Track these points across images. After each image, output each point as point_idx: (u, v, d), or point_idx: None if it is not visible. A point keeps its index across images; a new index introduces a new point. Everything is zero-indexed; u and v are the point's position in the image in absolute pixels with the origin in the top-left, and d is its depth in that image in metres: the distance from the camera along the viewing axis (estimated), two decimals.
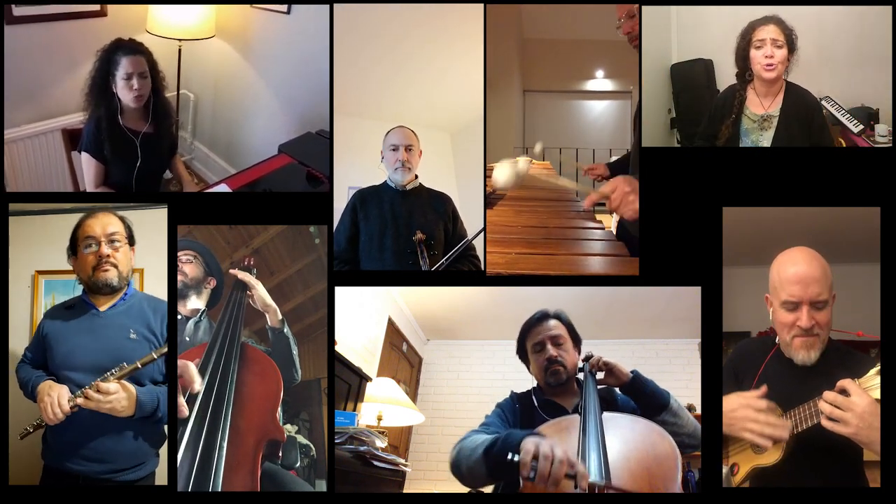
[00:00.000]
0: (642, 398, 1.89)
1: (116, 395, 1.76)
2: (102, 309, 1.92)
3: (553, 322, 2.07)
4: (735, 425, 1.81)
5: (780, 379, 1.86)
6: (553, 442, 1.54)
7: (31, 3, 2.79)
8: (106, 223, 1.87)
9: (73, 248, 1.90)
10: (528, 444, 1.50)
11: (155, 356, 1.81)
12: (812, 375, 1.81)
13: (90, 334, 1.89)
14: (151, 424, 1.88)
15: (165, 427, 2.00)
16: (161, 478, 2.08)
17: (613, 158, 2.94)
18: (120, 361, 1.82)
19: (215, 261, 2.33)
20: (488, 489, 1.88)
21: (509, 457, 1.52)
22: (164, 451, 2.21)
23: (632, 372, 1.93)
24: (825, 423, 1.66)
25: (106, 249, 1.84)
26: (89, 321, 1.90)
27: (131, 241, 1.95)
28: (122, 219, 1.93)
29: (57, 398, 1.75)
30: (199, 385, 1.68)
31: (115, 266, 1.86)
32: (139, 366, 1.80)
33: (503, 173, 2.03)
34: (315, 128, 2.98)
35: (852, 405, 1.63)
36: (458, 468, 1.73)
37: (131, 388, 1.78)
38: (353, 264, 2.41)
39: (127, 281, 1.92)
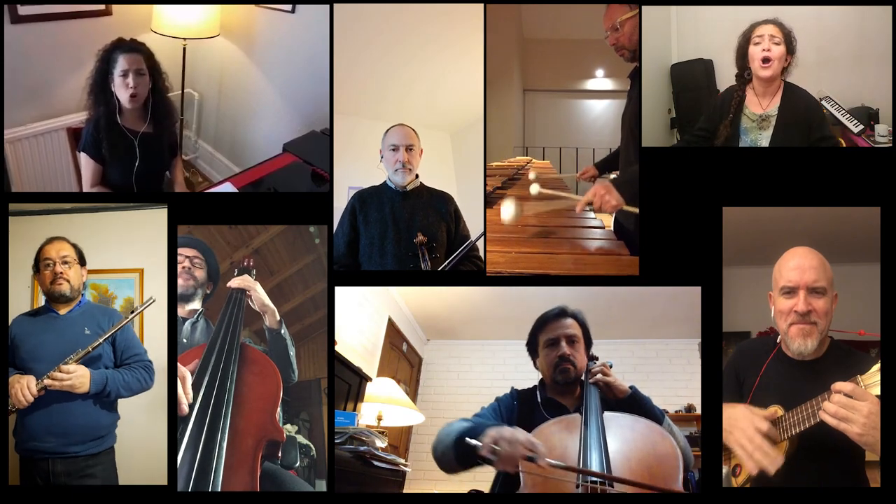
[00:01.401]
0: (637, 415, 1.89)
1: (76, 373, 2.14)
2: (62, 313, 2.30)
3: (570, 321, 2.08)
4: (732, 434, 1.82)
5: (781, 378, 1.87)
6: (516, 428, 1.62)
7: (37, 1, 2.79)
8: (59, 248, 2.30)
9: (37, 267, 2.32)
10: (492, 430, 1.61)
11: (101, 340, 2.20)
12: (813, 374, 1.82)
13: (53, 332, 2.25)
14: (103, 400, 2.22)
15: (119, 403, 2.30)
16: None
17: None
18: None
19: (216, 264, 2.35)
20: (487, 489, 1.89)
21: (469, 441, 1.61)
22: (163, 450, 2.24)
23: (630, 388, 1.93)
24: (829, 420, 1.66)
25: (60, 268, 2.28)
26: (52, 323, 2.28)
27: (82, 261, 2.34)
28: (73, 245, 2.33)
29: (26, 383, 2.11)
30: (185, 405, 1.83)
31: (68, 281, 2.28)
32: (90, 349, 2.18)
33: (509, 210, 2.30)
34: (320, 126, 2.98)
35: (858, 406, 1.63)
36: (435, 451, 1.79)
37: (85, 368, 2.17)
38: (353, 269, 2.40)
39: (78, 292, 2.32)
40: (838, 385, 1.68)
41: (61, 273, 2.27)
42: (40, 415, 2.15)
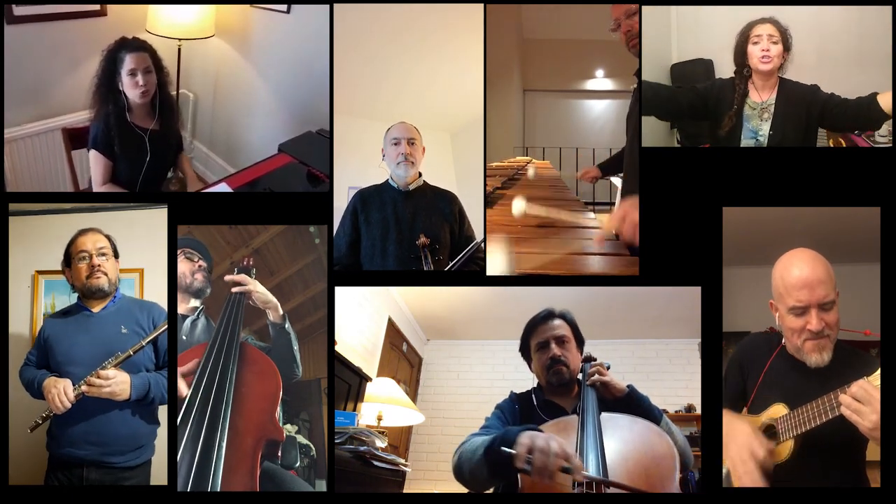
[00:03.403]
0: (635, 414, 1.89)
1: (115, 379, 2.05)
2: (95, 311, 2.21)
3: (558, 321, 2.06)
4: (728, 447, 1.83)
5: (785, 377, 1.87)
6: (549, 436, 1.55)
7: (32, 2, 2.79)
8: (96, 240, 2.22)
9: (68, 261, 2.23)
10: (524, 437, 1.54)
11: (143, 343, 2.11)
12: (816, 374, 1.82)
13: (86, 333, 2.17)
14: (145, 407, 2.16)
15: (160, 410, 2.23)
16: (160, 474, 2.22)
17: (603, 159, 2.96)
18: (115, 353, 2.10)
19: (211, 263, 2.35)
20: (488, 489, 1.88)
21: (504, 450, 1.54)
22: (163, 450, 2.22)
23: (628, 387, 1.93)
24: (845, 412, 1.67)
25: (97, 260, 2.19)
26: (85, 322, 2.20)
27: (116, 254, 2.27)
28: (107, 236, 2.26)
29: (63, 388, 2.03)
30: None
31: (105, 274, 2.20)
32: (132, 353, 2.09)
33: (519, 206, 2.23)
34: (315, 127, 2.98)
35: (872, 401, 1.63)
36: (461, 472, 1.73)
37: (125, 374, 2.08)
38: (355, 269, 2.39)
39: (115, 287, 2.24)
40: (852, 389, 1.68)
41: (98, 266, 2.17)
42: (78, 421, 2.08)
